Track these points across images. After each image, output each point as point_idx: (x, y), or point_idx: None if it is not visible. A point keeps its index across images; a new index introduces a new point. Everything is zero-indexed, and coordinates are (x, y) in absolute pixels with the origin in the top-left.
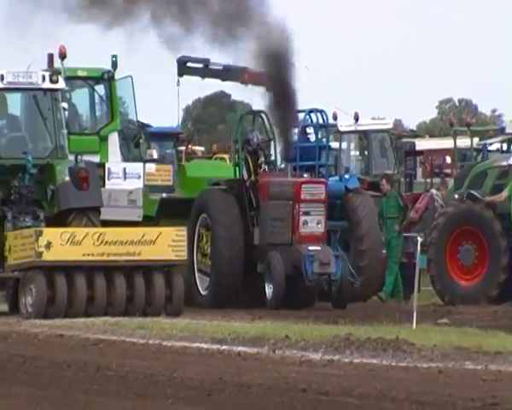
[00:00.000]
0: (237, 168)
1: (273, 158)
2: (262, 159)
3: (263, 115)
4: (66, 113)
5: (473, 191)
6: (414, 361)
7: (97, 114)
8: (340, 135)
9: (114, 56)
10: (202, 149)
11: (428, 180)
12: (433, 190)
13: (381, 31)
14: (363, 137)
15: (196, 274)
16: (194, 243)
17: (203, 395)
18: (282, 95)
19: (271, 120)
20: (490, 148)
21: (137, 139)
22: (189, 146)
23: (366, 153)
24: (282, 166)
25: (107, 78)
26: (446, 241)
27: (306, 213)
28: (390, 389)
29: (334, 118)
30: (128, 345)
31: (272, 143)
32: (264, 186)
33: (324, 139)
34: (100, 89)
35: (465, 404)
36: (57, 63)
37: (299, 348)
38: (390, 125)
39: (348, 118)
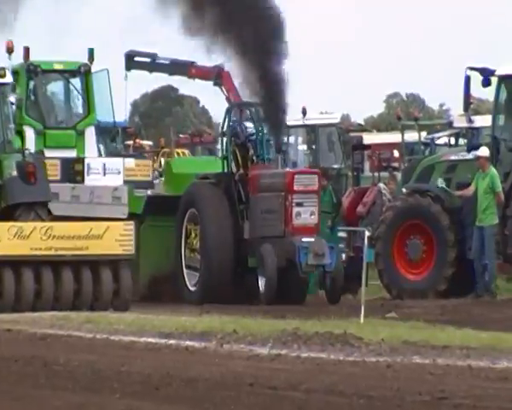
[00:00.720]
0: (225, 161)
1: (262, 150)
2: (252, 151)
3: (251, 107)
4: (13, 107)
5: (442, 185)
6: (362, 356)
7: (73, 108)
8: (287, 129)
9: (91, 49)
10: (150, 143)
11: (376, 174)
12: (381, 184)
13: (328, 26)
14: (311, 131)
15: (184, 270)
16: (181, 239)
17: (150, 390)
18: (274, 85)
19: (260, 112)
20: (438, 142)
21: (114, 133)
22: (137, 140)
23: (314, 147)
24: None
25: (83, 71)
26: (394, 235)
27: (299, 205)
28: (338, 384)
29: None
30: (75, 340)
31: (260, 135)
32: (255, 179)
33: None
34: (76, 82)
35: (413, 398)
36: (34, 56)
37: (246, 343)
38: (337, 120)
39: (296, 112)
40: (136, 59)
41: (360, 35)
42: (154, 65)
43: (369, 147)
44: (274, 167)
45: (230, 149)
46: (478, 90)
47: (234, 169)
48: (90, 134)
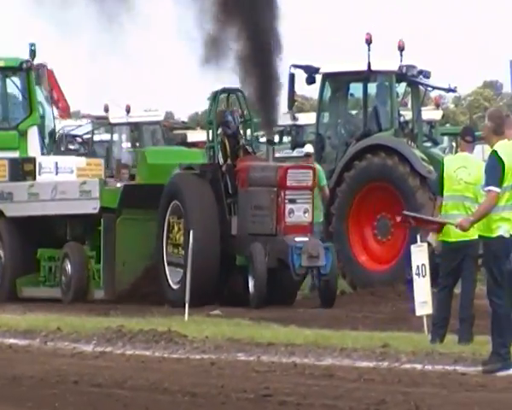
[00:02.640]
0: (211, 151)
1: (250, 141)
2: (242, 142)
3: (239, 94)
4: None
5: None
6: (186, 353)
7: (14, 107)
8: (111, 127)
9: (33, 45)
10: None
11: None
12: None
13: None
14: (135, 128)
15: (166, 267)
16: (163, 233)
17: None
18: (266, 72)
19: (249, 99)
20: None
21: (55, 132)
22: None
23: (138, 144)
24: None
25: (25, 68)
26: None
27: (292, 201)
28: (162, 381)
29: (106, 110)
30: None
31: (249, 124)
32: (244, 171)
33: None
34: (17, 80)
35: (238, 395)
36: None
37: (70, 340)
38: (161, 117)
39: (120, 110)
40: None
41: (182, 31)
42: None
43: (194, 144)
44: (264, 160)
45: (218, 139)
46: (302, 89)
47: (220, 160)
48: (33, 134)
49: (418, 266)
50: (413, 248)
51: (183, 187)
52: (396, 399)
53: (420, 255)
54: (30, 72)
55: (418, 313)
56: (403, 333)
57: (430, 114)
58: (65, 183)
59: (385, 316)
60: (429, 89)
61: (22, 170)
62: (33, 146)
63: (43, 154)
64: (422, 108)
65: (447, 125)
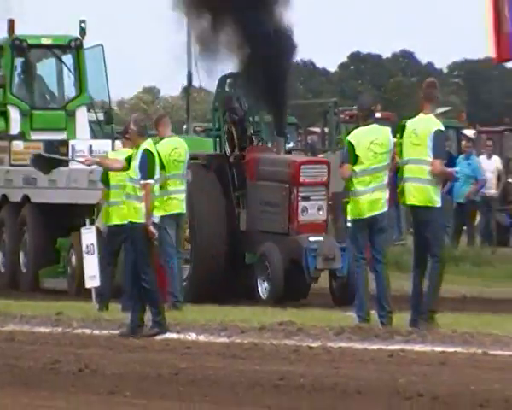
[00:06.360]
0: (218, 141)
1: (259, 130)
2: (251, 131)
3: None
4: None
5: None
6: None
7: (64, 86)
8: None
9: (83, 22)
10: None
11: None
12: None
13: None
14: None
15: None
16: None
17: None
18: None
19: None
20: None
21: (109, 114)
22: None
23: None
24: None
25: (74, 46)
26: None
27: (306, 199)
28: None
29: None
30: None
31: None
32: (253, 163)
33: None
34: (67, 59)
35: None
36: (19, 30)
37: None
38: None
39: None
40: None
41: None
42: None
43: None
44: (274, 151)
45: (224, 127)
46: None
47: (228, 151)
48: (82, 115)
49: (88, 246)
50: (82, 230)
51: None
52: (68, 359)
53: (89, 236)
54: (80, 50)
55: (87, 285)
56: (75, 302)
57: None
58: (76, 171)
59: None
60: None
61: (57, 153)
62: (82, 127)
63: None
64: None
65: None
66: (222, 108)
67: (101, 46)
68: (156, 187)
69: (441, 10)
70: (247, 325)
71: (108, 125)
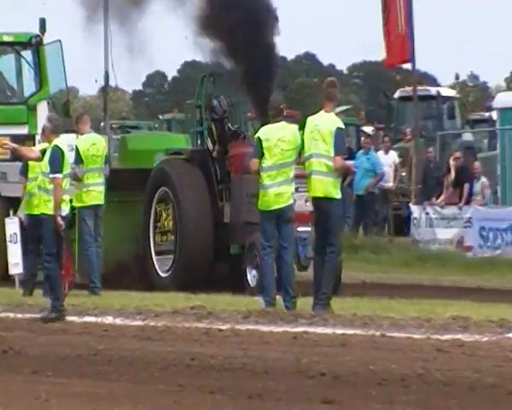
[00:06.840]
0: (199, 136)
1: (238, 126)
2: (232, 127)
3: (226, 77)
4: None
5: None
6: None
7: (24, 81)
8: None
9: (43, 19)
10: None
11: None
12: None
13: None
14: None
15: (154, 257)
16: (149, 222)
17: None
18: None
19: (239, 83)
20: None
21: (67, 107)
22: None
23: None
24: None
25: (34, 42)
26: None
27: None
28: None
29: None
30: None
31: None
32: (238, 157)
33: None
34: (27, 54)
35: None
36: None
37: None
38: None
39: None
40: None
41: None
42: None
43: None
44: None
45: (206, 124)
46: None
47: (210, 146)
48: (43, 109)
49: (11, 235)
50: (6, 220)
51: (171, 173)
52: None
53: (12, 226)
54: (40, 46)
55: (11, 272)
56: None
57: None
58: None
59: None
60: None
61: None
62: (43, 121)
63: None
64: None
65: None
66: (203, 106)
67: (60, 42)
68: (65, 181)
69: (342, 16)
70: (161, 309)
71: (67, 117)
